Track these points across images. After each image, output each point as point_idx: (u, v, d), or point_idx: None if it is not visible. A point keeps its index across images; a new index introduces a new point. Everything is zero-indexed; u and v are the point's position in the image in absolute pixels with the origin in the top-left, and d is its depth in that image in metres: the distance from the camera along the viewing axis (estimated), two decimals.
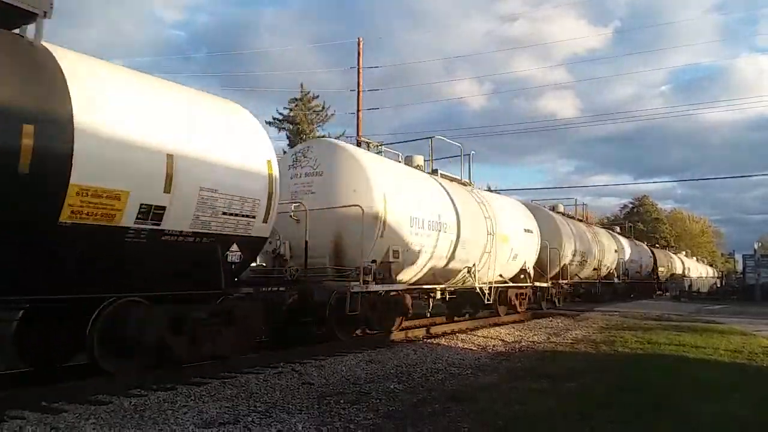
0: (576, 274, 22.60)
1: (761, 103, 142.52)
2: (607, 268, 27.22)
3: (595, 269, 24.89)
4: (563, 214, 23.41)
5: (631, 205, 75.79)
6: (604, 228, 32.40)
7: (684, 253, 60.72)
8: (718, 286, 47.38)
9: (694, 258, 65.72)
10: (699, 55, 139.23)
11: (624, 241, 32.50)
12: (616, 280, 28.36)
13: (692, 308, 24.33)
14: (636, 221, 68.46)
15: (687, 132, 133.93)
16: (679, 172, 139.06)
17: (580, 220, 25.89)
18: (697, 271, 58.87)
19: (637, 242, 38.14)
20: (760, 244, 42.24)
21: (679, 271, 48.91)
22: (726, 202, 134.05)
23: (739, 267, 46.46)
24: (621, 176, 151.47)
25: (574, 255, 21.48)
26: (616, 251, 28.40)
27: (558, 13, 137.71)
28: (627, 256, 31.17)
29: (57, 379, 6.56)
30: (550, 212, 21.45)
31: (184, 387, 6.52)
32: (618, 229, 35.83)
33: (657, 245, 50.45)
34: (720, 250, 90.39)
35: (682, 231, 79.11)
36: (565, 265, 20.24)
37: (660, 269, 41.98)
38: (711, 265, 74.09)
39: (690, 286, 39.05)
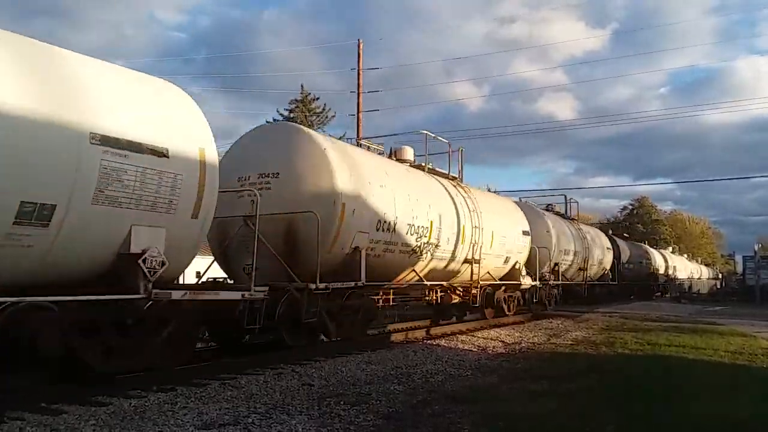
0: (411, 268, 11.47)
1: (760, 104, 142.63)
2: (508, 261, 15.48)
3: (468, 262, 13.25)
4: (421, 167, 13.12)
5: (630, 207, 75.83)
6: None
7: (671, 248, 52.99)
8: (718, 287, 47.42)
9: (685, 255, 58.75)
10: (697, 57, 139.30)
11: (555, 221, 20.56)
12: (527, 282, 16.20)
13: (692, 309, 24.32)
14: (636, 223, 68.57)
15: (686, 133, 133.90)
16: (678, 174, 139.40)
17: (454, 179, 14.18)
18: (687, 270, 50.90)
19: (584, 226, 26.27)
20: (759, 245, 42.08)
21: (660, 270, 39.39)
22: (725, 204, 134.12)
23: (739, 268, 46.49)
24: (620, 178, 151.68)
25: (384, 229, 10.19)
26: (525, 234, 16.32)
27: (556, 15, 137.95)
28: (555, 246, 19.40)
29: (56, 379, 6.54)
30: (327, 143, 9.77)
31: (184, 388, 6.51)
32: (557, 208, 24.05)
33: (626, 235, 38.77)
34: (720, 252, 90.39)
35: (683, 232, 79.11)
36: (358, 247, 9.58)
37: (627, 266, 31.00)
38: (707, 265, 71.47)
39: (690, 287, 39.06)
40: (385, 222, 10.23)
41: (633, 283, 32.92)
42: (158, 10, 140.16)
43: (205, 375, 7.19)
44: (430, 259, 11.91)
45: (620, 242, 31.04)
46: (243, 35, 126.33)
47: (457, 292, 13.90)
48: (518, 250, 15.93)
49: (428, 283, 12.27)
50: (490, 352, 10.52)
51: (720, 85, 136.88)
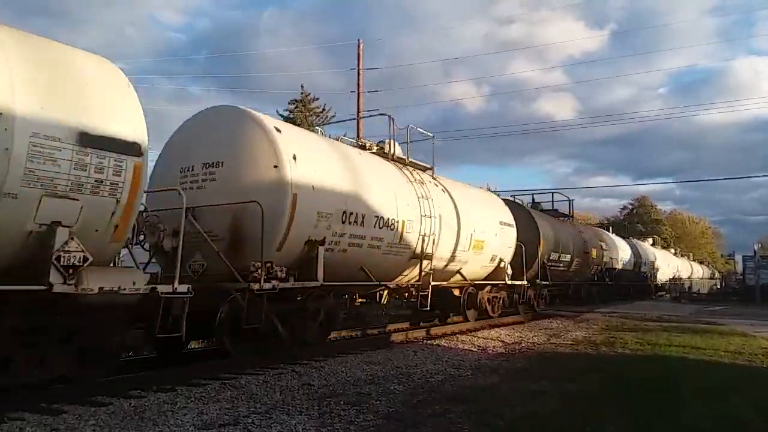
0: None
1: (758, 104, 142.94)
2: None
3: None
4: None
5: (630, 206, 75.82)
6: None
7: (651, 240, 43.85)
8: (718, 287, 47.32)
9: (672, 251, 51.74)
10: (696, 58, 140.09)
11: (331, 155, 9.49)
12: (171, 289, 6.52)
13: (692, 309, 24.31)
14: (636, 222, 68.53)
15: (685, 133, 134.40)
16: (677, 174, 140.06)
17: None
18: (672, 267, 42.44)
19: (448, 180, 13.43)
20: (759, 245, 41.93)
21: (627, 265, 30.26)
22: (724, 203, 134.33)
23: (739, 268, 46.41)
24: (620, 177, 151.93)
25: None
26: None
27: (555, 16, 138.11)
28: (315, 211, 8.53)
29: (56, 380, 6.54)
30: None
31: (184, 388, 6.51)
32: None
33: (568, 214, 24.21)
34: (720, 251, 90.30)
35: (683, 232, 79.06)
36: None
37: (559, 258, 19.66)
38: (702, 263, 67.89)
39: (690, 287, 38.85)
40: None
41: (569, 284, 21.85)
42: (158, 11, 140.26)
43: (205, 375, 7.19)
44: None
45: (544, 221, 18.94)
46: (243, 36, 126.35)
47: None
48: None
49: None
50: (490, 352, 10.52)
51: (719, 85, 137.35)
